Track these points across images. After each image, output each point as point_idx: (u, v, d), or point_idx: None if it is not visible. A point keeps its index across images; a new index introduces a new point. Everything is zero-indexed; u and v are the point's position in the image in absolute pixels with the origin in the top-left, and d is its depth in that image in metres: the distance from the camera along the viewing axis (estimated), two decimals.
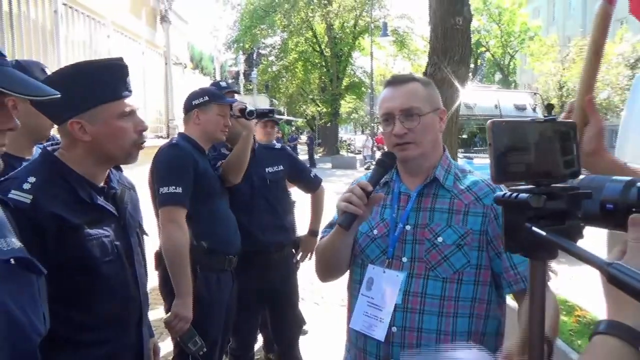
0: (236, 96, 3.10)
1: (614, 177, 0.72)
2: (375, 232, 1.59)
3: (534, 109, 10.01)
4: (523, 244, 0.74)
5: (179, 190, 2.38)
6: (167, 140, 2.73)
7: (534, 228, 0.70)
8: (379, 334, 1.49)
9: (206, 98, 2.62)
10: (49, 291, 1.17)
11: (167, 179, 2.41)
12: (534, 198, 0.71)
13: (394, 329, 1.49)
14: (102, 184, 1.57)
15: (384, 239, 1.56)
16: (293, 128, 34.07)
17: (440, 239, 1.49)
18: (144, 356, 1.64)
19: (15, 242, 1.08)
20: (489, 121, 0.74)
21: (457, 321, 1.47)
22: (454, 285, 1.47)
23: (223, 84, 3.18)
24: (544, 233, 0.69)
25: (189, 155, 2.50)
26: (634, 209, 0.68)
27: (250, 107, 2.78)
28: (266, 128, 3.79)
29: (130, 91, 1.55)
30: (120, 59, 1.57)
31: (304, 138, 34.23)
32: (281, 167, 3.06)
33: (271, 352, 3.85)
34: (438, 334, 1.46)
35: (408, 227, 1.54)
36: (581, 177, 0.79)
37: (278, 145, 3.28)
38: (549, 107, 0.82)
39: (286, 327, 3.20)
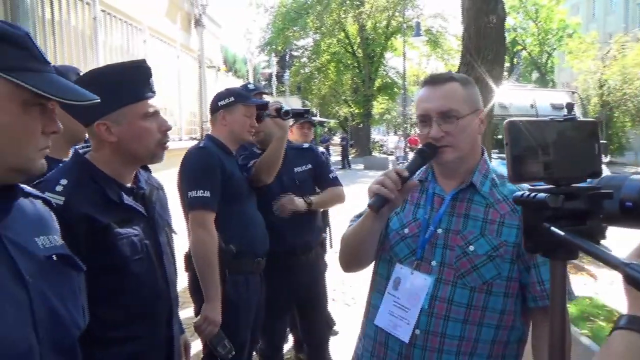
0: (268, 97, 3.10)
1: (633, 176, 0.70)
2: (406, 230, 1.56)
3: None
4: (542, 244, 0.73)
5: (207, 194, 2.39)
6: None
7: (552, 228, 0.69)
8: (404, 335, 1.48)
9: (232, 99, 2.62)
10: None
11: (195, 183, 2.42)
12: (551, 198, 0.70)
13: (417, 331, 1.47)
14: (130, 184, 1.61)
15: (415, 239, 1.54)
16: (325, 129, 34.06)
17: (471, 248, 1.46)
18: (174, 353, 1.66)
19: (58, 240, 1.13)
20: (505, 121, 0.73)
21: (481, 329, 1.45)
22: (482, 296, 1.45)
23: (251, 86, 3.19)
24: (561, 233, 0.68)
25: (216, 157, 2.51)
26: None
27: (286, 107, 2.76)
28: (303, 129, 3.83)
29: (153, 92, 1.58)
30: (143, 61, 1.61)
31: (336, 139, 34.25)
32: (309, 166, 3.05)
33: (301, 353, 3.86)
34: (460, 340, 1.45)
35: (439, 231, 1.50)
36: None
37: (306, 145, 3.27)
38: (569, 107, 0.81)
39: (315, 328, 3.20)
